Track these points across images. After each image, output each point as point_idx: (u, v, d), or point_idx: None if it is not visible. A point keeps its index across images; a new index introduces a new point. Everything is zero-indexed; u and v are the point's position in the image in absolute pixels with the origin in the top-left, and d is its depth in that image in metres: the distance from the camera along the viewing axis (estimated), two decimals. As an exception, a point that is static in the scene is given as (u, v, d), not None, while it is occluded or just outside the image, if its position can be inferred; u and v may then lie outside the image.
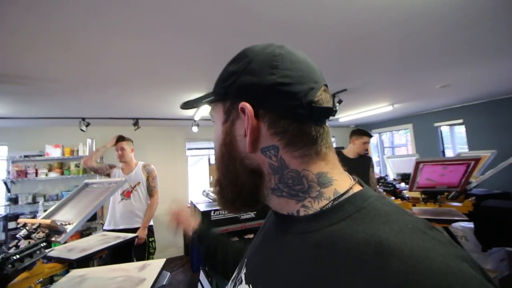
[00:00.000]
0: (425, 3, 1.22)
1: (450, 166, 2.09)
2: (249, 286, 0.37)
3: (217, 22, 1.30)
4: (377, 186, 2.64)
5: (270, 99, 0.35)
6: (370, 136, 2.43)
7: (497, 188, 3.01)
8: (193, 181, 4.66)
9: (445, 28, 1.49)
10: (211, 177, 5.09)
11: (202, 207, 2.14)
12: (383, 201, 0.33)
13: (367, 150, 2.53)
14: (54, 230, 1.36)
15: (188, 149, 4.65)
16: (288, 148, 0.35)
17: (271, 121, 0.35)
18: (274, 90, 0.35)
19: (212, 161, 4.95)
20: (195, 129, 3.84)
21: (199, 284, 2.88)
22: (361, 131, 2.43)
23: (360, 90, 2.76)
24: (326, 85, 0.38)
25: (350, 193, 0.34)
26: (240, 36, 1.45)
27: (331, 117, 0.38)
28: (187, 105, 0.45)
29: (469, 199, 2.31)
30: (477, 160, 1.98)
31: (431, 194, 2.39)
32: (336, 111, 0.37)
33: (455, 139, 4.41)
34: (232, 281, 0.46)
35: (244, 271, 0.42)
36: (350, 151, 2.47)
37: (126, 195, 2.39)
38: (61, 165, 3.71)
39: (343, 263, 0.27)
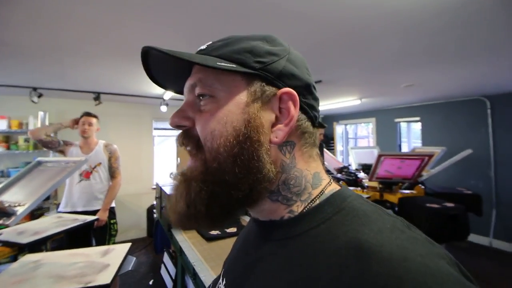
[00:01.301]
0: (403, 8, 1.29)
1: (407, 160, 2.28)
2: None
3: (197, -3, 1.21)
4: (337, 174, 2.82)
5: (305, 94, 0.35)
6: (323, 126, 2.58)
7: (442, 183, 3.30)
8: (160, 162, 4.50)
9: (422, 32, 1.58)
10: (179, 159, 4.97)
11: (169, 190, 2.08)
12: (360, 200, 0.32)
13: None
14: (1, 212, 1.24)
15: (155, 128, 4.44)
16: (300, 146, 0.35)
17: (299, 117, 0.35)
18: (309, 88, 0.36)
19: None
20: (163, 108, 3.66)
21: (162, 265, 2.86)
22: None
23: (334, 83, 2.84)
24: None
25: (329, 193, 0.34)
26: (221, 16, 1.37)
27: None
28: (178, 57, 0.31)
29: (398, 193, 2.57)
30: (430, 156, 2.19)
31: (387, 184, 2.62)
32: None
33: (410, 134, 4.82)
34: None
35: (224, 282, 0.40)
36: None
37: (85, 175, 2.22)
38: (7, 139, 3.31)
39: (325, 270, 0.26)
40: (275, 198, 0.34)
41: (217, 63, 0.31)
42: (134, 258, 1.23)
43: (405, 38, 1.67)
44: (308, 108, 0.35)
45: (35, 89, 2.78)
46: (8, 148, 3.27)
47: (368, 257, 0.24)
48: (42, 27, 1.50)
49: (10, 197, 1.41)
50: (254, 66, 0.32)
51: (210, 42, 0.36)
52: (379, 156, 2.31)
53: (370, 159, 3.19)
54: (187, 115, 0.35)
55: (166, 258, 2.76)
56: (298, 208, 0.34)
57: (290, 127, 0.33)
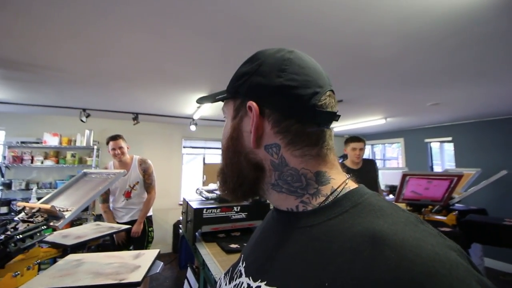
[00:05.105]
0: (423, 26, 1.33)
1: (434, 181, 2.19)
2: (249, 279, 0.39)
3: (225, 29, 1.38)
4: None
5: (275, 99, 0.37)
6: (358, 140, 2.45)
7: (474, 205, 3.10)
8: (187, 178, 4.71)
9: (439, 51, 1.60)
10: (205, 176, 5.17)
11: (195, 205, 2.20)
12: (377, 198, 0.35)
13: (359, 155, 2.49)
14: (52, 215, 1.41)
15: (184, 147, 4.70)
16: (289, 147, 0.37)
17: (275, 120, 0.37)
18: (280, 91, 0.37)
19: (207, 161, 5.04)
20: (193, 127, 3.90)
21: (185, 281, 2.92)
22: (348, 138, 2.48)
23: (356, 102, 2.87)
24: (332, 91, 0.40)
25: (346, 190, 0.37)
26: (247, 44, 1.53)
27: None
28: (202, 100, 0.49)
29: (453, 213, 2.42)
30: (459, 176, 2.09)
31: (416, 207, 2.50)
32: (339, 116, 0.40)
33: (444, 155, 4.56)
34: (226, 275, 0.48)
35: (244, 264, 0.43)
36: (349, 161, 2.56)
37: (126, 195, 2.47)
38: (57, 154, 3.73)
39: (340, 253, 0.29)
40: (279, 190, 0.40)
41: (216, 97, 0.45)
42: (162, 263, 1.33)
43: (422, 58, 1.70)
44: (286, 110, 0.37)
45: (84, 109, 3.16)
46: (57, 162, 3.67)
47: (382, 243, 0.27)
48: (94, 56, 1.77)
49: (58, 204, 1.60)
50: (232, 90, 0.43)
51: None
52: (404, 175, 2.25)
53: (398, 181, 3.08)
54: None
55: (189, 273, 2.83)
56: (310, 200, 0.37)
57: (255, 134, 0.38)
